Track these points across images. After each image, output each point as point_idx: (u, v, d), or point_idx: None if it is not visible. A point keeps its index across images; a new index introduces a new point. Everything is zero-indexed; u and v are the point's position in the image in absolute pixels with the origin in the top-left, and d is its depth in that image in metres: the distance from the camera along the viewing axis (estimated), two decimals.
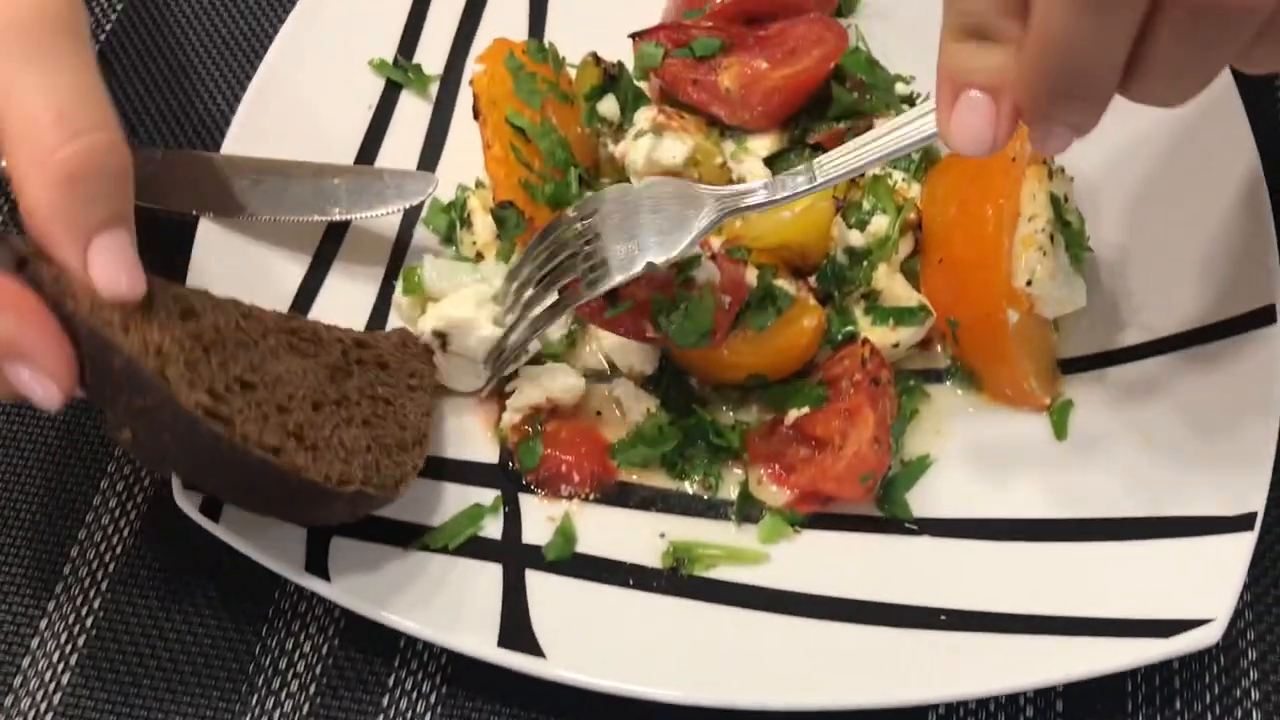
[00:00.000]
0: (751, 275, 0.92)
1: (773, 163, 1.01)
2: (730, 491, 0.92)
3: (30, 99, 0.70)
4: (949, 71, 0.69)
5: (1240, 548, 0.83)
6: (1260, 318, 0.91)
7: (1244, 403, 0.89)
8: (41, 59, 0.71)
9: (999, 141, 0.68)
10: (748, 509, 0.91)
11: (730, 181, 0.99)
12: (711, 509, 0.92)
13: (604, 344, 0.97)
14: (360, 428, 0.84)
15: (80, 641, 0.90)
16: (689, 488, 0.92)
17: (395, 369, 0.91)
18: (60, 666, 0.89)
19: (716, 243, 0.94)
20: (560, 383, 0.94)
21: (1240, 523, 0.84)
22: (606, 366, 0.97)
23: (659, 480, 0.93)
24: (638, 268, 0.85)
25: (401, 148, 1.08)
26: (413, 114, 1.10)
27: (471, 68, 1.07)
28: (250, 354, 0.80)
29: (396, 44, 1.12)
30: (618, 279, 0.85)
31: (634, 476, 0.93)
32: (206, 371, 0.75)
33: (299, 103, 1.07)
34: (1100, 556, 0.85)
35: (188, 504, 0.86)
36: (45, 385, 0.69)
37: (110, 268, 0.71)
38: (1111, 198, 1.00)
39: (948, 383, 0.96)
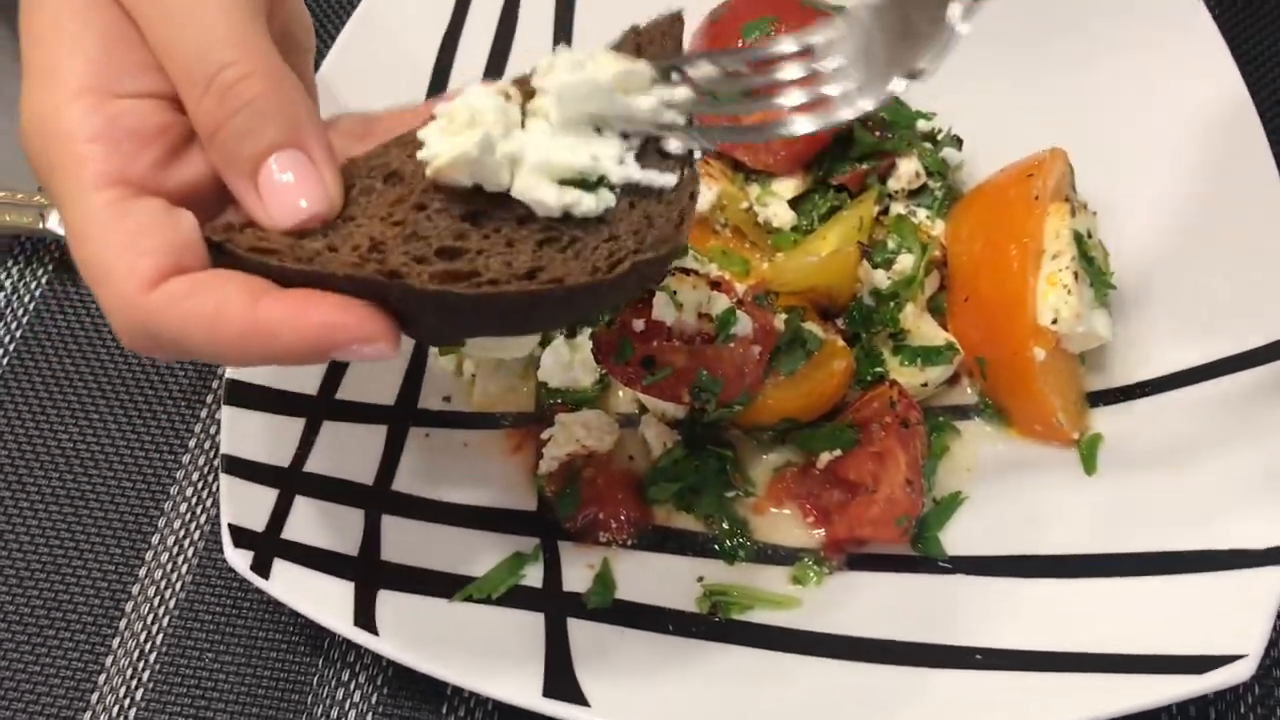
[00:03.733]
0: (780, 320, 0.94)
1: (797, 204, 1.02)
2: (759, 533, 0.95)
3: (176, 51, 0.67)
4: None
5: (1271, 582, 0.83)
6: None
7: (1270, 434, 0.90)
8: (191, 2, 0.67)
9: None
10: (773, 550, 0.94)
11: (756, 225, 1.01)
12: (749, 551, 0.94)
13: None
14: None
15: (138, 695, 0.93)
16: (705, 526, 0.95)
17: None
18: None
19: (741, 288, 0.96)
20: (595, 429, 0.96)
21: (1270, 556, 0.84)
22: (638, 409, 0.99)
23: (695, 523, 0.95)
24: (894, 85, 0.68)
25: None
26: None
27: None
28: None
29: (424, 95, 1.14)
30: (867, 104, 0.69)
31: (670, 520, 0.95)
32: (431, 229, 0.67)
33: None
34: (1131, 592, 0.86)
35: (239, 562, 0.88)
36: (373, 349, 0.65)
37: (276, 198, 0.67)
38: (1136, 229, 1.01)
39: (977, 419, 0.98)
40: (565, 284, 0.65)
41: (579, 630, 0.88)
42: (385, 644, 0.86)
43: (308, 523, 0.91)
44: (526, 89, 0.71)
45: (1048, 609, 0.87)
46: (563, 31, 1.16)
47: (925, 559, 0.91)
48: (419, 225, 0.67)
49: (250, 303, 0.64)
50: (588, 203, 0.68)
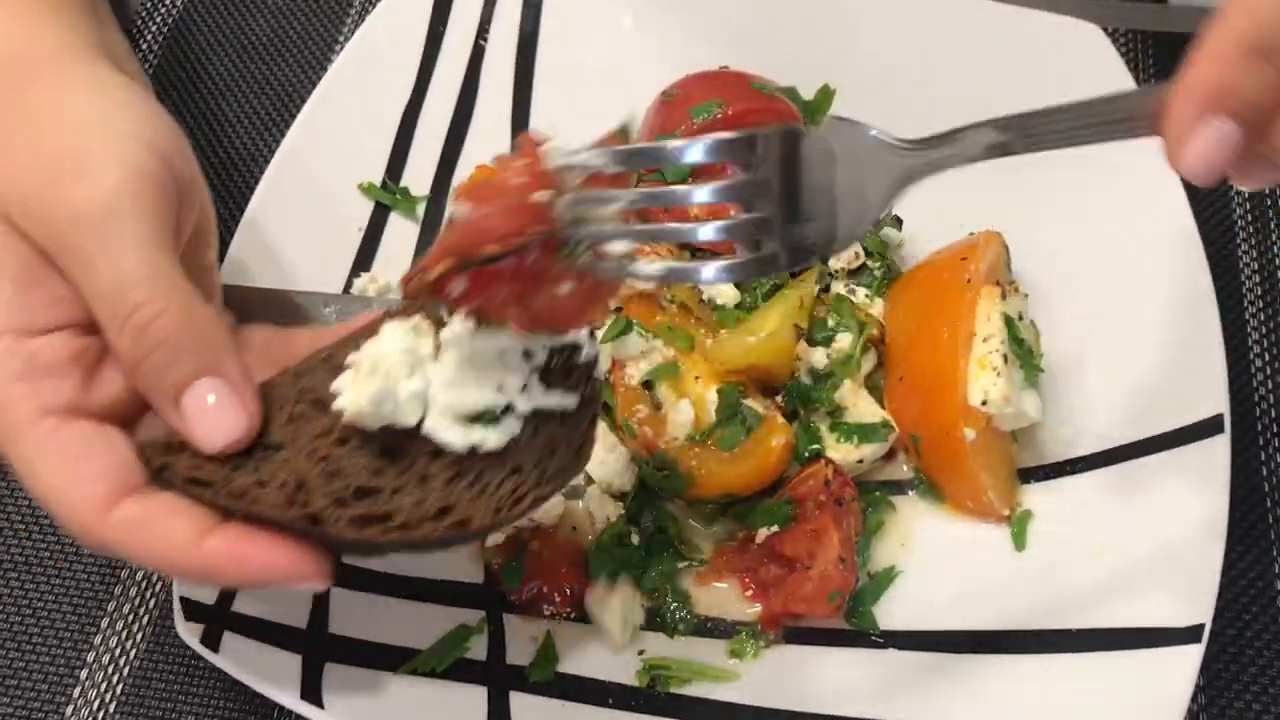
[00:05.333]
0: (712, 394, 0.97)
1: (740, 282, 1.05)
2: (700, 606, 0.97)
3: (93, 291, 0.72)
4: (1212, 87, 0.60)
5: (1188, 660, 0.86)
6: (1209, 427, 0.95)
7: (1192, 512, 0.92)
8: (103, 244, 0.71)
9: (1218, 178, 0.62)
10: (713, 623, 0.96)
11: (701, 302, 1.04)
12: (689, 624, 0.96)
13: None
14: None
15: None
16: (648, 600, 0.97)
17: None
18: None
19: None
20: None
21: (1188, 635, 0.87)
22: (584, 481, 1.02)
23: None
24: (811, 259, 0.74)
25: (390, 269, 1.13)
26: (401, 234, 1.15)
27: (456, 186, 1.12)
28: None
29: (384, 167, 1.17)
30: (784, 265, 0.72)
31: None
32: (350, 466, 0.71)
33: (293, 224, 1.12)
34: (1056, 669, 0.89)
35: (190, 635, 0.90)
36: (309, 585, 0.71)
37: (201, 422, 0.72)
38: (1067, 309, 1.04)
39: (912, 494, 1.01)
40: (471, 526, 0.70)
41: (521, 704, 0.91)
42: (331, 717, 0.88)
43: (258, 595, 0.93)
44: (437, 318, 0.75)
45: (975, 685, 0.90)
46: (520, 121, 1.20)
47: (859, 633, 0.94)
48: (340, 462, 0.72)
49: (196, 540, 0.69)
50: (493, 439, 0.72)
